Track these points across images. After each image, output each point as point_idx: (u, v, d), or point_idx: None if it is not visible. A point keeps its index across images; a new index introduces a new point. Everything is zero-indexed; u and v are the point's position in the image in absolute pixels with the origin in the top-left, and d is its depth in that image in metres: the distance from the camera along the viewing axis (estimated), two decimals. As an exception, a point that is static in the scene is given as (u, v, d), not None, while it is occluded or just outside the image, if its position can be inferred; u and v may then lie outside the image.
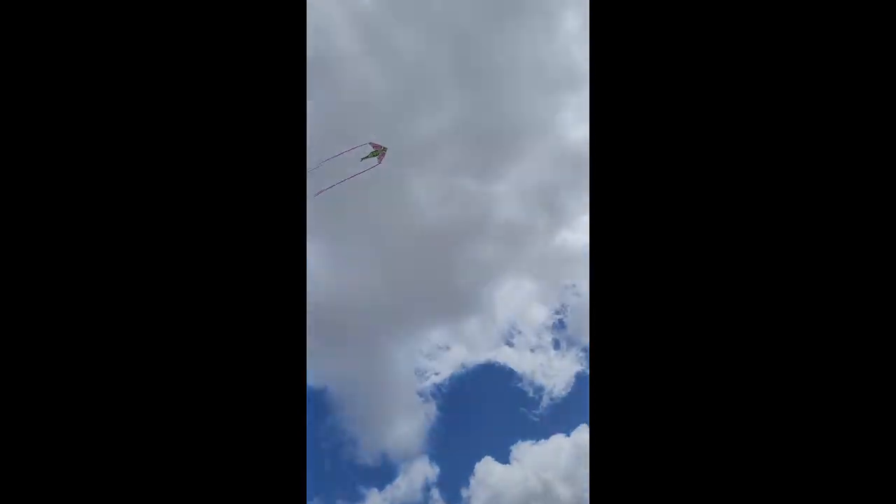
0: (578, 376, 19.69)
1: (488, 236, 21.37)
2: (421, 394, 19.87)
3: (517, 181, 21.57)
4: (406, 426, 19.41)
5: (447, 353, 20.30)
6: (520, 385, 19.87)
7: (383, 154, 11.44)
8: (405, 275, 20.28)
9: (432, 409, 19.63)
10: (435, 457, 18.85)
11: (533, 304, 21.06)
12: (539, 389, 19.72)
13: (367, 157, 11.55)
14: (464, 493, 18.33)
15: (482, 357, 20.17)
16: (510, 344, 20.47)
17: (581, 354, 19.86)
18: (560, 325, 20.59)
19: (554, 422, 19.47)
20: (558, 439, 18.91)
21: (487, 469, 18.59)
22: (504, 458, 18.75)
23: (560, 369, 20.01)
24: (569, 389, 19.65)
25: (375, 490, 18.37)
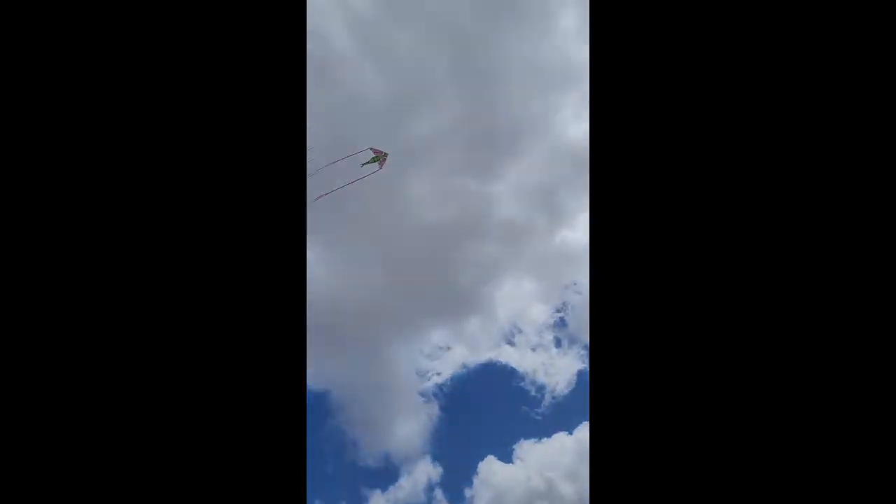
0: (580, 374, 19.80)
1: (488, 236, 21.44)
2: (423, 394, 19.94)
3: (516, 180, 21.63)
4: (408, 427, 19.48)
5: (448, 353, 20.38)
6: (522, 384, 19.97)
7: (384, 160, 11.47)
8: (405, 276, 20.31)
9: (434, 409, 19.70)
10: (438, 457, 18.93)
11: (533, 302, 21.15)
12: (541, 388, 19.82)
13: (367, 162, 11.59)
14: (467, 492, 18.43)
15: (483, 357, 20.26)
16: (511, 343, 20.56)
17: (582, 352, 19.95)
18: (561, 324, 20.68)
19: (556, 420, 19.57)
20: (561, 437, 19.04)
21: (490, 468, 18.69)
22: (507, 457, 18.86)
23: (562, 367, 20.11)
24: (571, 387, 19.77)
25: (378, 491, 18.46)
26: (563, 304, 20.80)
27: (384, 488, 18.51)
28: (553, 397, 19.71)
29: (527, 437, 19.12)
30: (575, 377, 19.80)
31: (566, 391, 19.73)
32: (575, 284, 20.56)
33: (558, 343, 20.46)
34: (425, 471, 18.71)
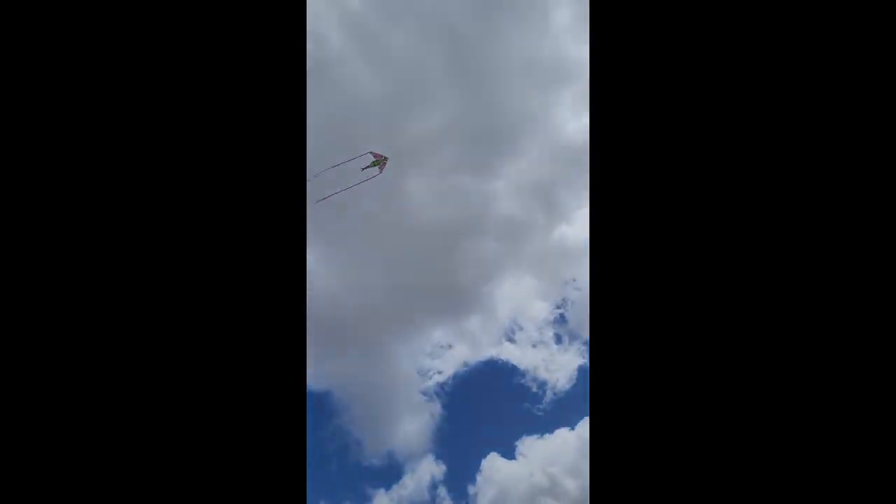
0: (581, 370, 19.88)
1: (487, 234, 21.47)
2: (425, 393, 20.01)
3: (514, 178, 21.64)
4: (411, 426, 19.56)
5: (449, 351, 20.44)
6: (523, 381, 20.05)
7: (384, 164, 11.47)
8: (405, 275, 20.36)
9: (436, 407, 19.78)
10: (441, 455, 19.02)
11: (533, 299, 21.21)
12: (542, 384, 19.90)
13: (368, 166, 11.60)
14: (471, 490, 18.53)
15: (484, 354, 20.33)
16: (512, 340, 20.64)
17: (583, 348, 20.03)
18: (561, 320, 20.76)
19: (558, 416, 19.66)
20: (563, 433, 19.13)
21: (493, 465, 18.79)
22: (510, 453, 18.96)
23: (562, 363, 20.20)
24: (572, 383, 19.87)
25: (382, 490, 18.54)
26: (563, 300, 20.88)
27: (388, 487, 18.61)
28: (554, 393, 19.82)
29: (529, 433, 19.22)
30: (576, 373, 19.91)
31: (567, 387, 19.84)
32: (574, 280, 20.63)
33: (559, 339, 20.55)
34: (428, 469, 18.80)
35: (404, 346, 20.61)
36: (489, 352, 20.30)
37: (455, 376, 20.09)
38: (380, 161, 11.45)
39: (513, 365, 20.18)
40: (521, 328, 20.70)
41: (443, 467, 18.81)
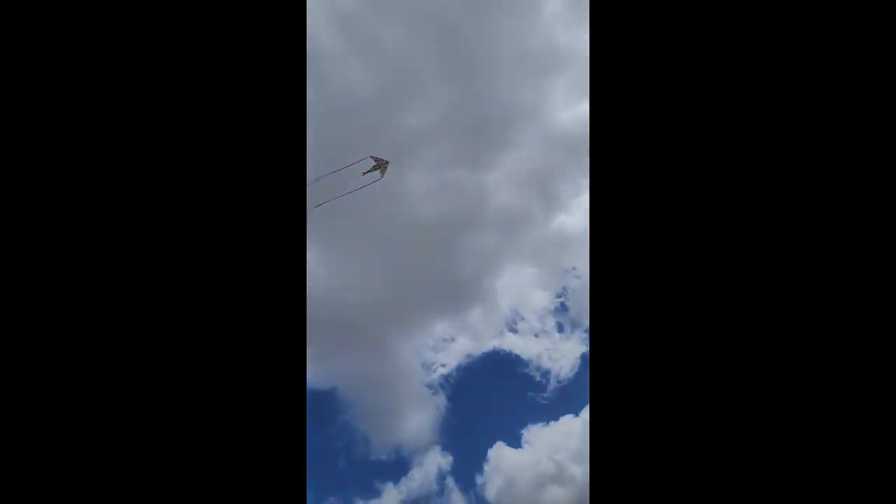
0: (583, 357, 20.01)
1: (485, 225, 21.44)
2: (429, 386, 20.12)
3: (510, 169, 21.58)
4: (417, 419, 19.70)
5: (452, 344, 20.51)
6: (526, 370, 20.18)
7: (386, 167, 11.40)
8: (405, 270, 20.37)
9: (442, 400, 19.91)
10: (447, 447, 19.18)
11: (534, 289, 21.26)
12: (546, 373, 20.05)
13: (369, 171, 11.51)
14: (478, 479, 18.73)
15: (487, 345, 20.41)
16: (514, 330, 20.72)
17: (585, 336, 20.12)
18: (562, 309, 20.85)
19: (562, 403, 19.81)
20: (568, 420, 19.31)
21: (500, 454, 18.97)
22: (516, 442, 19.14)
23: (565, 352, 20.32)
24: (575, 370, 20.02)
25: (391, 484, 18.69)
26: (564, 289, 20.95)
27: (396, 480, 18.76)
28: (558, 381, 19.97)
29: (534, 421, 19.38)
30: (578, 360, 20.05)
31: (570, 375, 19.99)
32: (574, 269, 20.67)
33: (560, 328, 20.66)
34: (436, 461, 18.97)
35: (408, 342, 20.69)
36: (492, 343, 20.39)
37: (459, 368, 20.20)
38: (381, 165, 11.38)
39: (516, 355, 20.29)
40: (522, 318, 20.79)
41: (450, 458, 18.99)
